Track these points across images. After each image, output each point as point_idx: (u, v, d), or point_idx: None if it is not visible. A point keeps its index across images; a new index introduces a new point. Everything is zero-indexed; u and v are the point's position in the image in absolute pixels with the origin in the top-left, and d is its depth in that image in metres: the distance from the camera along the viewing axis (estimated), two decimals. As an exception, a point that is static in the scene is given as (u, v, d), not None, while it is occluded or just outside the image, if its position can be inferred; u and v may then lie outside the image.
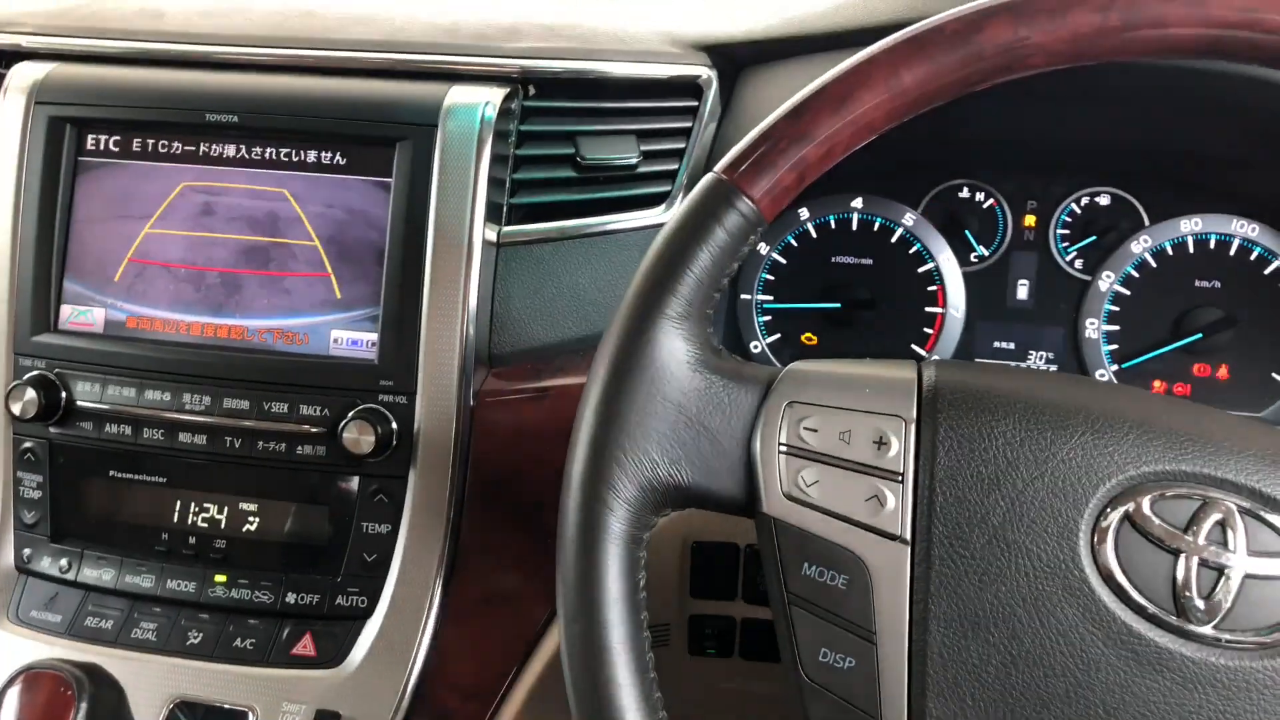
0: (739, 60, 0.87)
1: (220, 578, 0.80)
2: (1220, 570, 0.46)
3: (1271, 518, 0.46)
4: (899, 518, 0.49)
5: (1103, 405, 0.49)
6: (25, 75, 0.83)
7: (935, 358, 0.90)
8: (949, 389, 0.50)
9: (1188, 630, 0.46)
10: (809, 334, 0.93)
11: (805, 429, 0.51)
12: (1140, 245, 0.89)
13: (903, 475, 0.49)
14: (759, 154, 0.51)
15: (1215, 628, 0.46)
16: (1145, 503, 0.47)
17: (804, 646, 0.50)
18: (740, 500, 0.52)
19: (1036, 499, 0.48)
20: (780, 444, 0.51)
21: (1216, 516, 0.46)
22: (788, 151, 0.51)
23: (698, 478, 0.51)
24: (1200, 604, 0.46)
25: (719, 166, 0.52)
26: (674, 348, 0.51)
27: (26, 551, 0.83)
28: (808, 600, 0.50)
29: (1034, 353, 0.91)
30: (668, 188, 0.84)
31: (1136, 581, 0.46)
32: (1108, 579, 0.47)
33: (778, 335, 0.93)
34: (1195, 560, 0.46)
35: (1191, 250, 0.88)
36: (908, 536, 0.49)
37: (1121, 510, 0.47)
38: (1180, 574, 0.46)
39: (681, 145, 0.84)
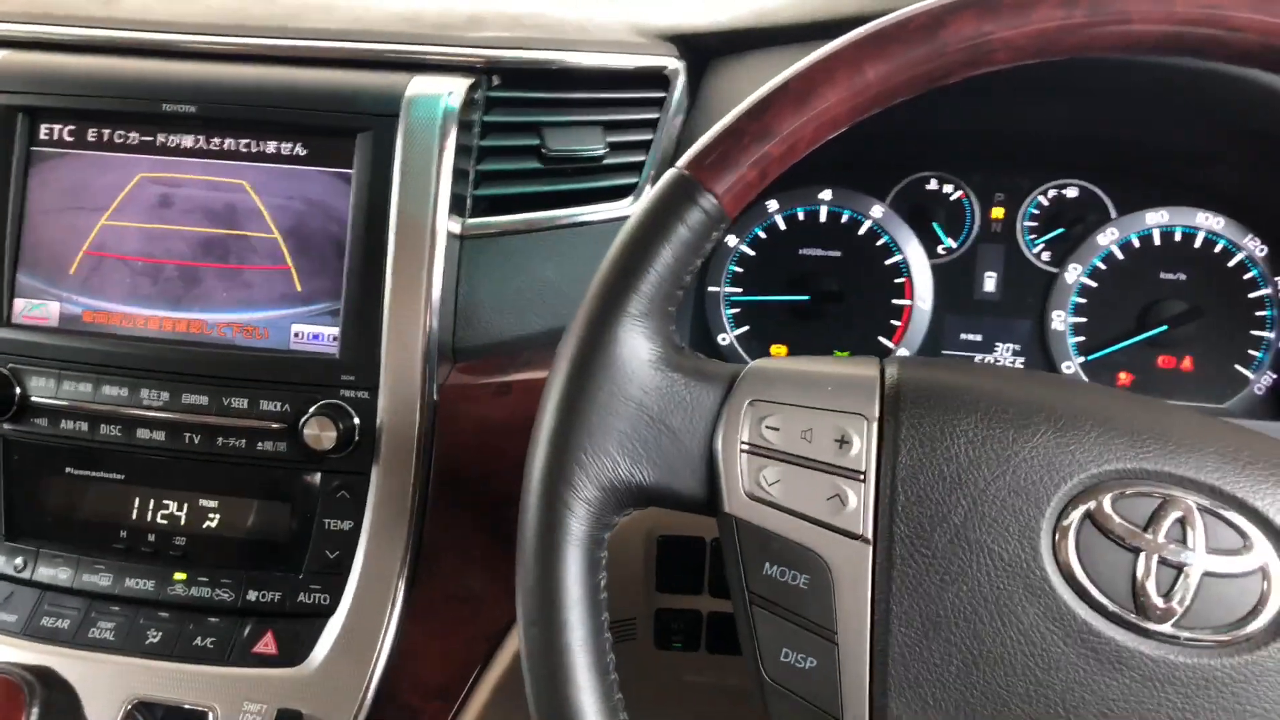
0: (707, 51, 0.87)
1: (180, 576, 0.79)
2: (1179, 568, 0.46)
3: (1230, 515, 0.46)
4: (860, 517, 0.48)
5: (1065, 403, 0.49)
6: (-25, 63, 0.81)
7: (902, 351, 0.90)
8: (911, 387, 0.50)
9: (1147, 628, 0.46)
10: (777, 327, 0.93)
11: (767, 427, 0.50)
12: (1107, 238, 0.89)
13: (864, 474, 0.49)
14: (721, 150, 0.51)
15: (1174, 625, 0.46)
16: (1106, 501, 0.47)
17: (765, 646, 0.50)
18: (702, 499, 0.52)
19: (998, 498, 0.47)
20: (742, 442, 0.50)
21: (1176, 514, 0.46)
22: (750, 148, 0.50)
23: (659, 477, 0.51)
24: (1159, 602, 0.46)
25: (681, 162, 0.52)
26: (635, 346, 0.51)
27: (-20, 551, 0.81)
28: (769, 600, 0.50)
29: (1001, 345, 0.91)
30: (634, 180, 0.83)
31: (1097, 580, 0.46)
32: (1068, 578, 0.47)
33: (746, 328, 0.93)
34: (1155, 558, 0.46)
35: (1158, 243, 0.88)
36: (869, 536, 0.48)
37: (1083, 509, 0.47)
38: (1140, 572, 0.46)
39: (648, 137, 0.83)
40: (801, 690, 0.49)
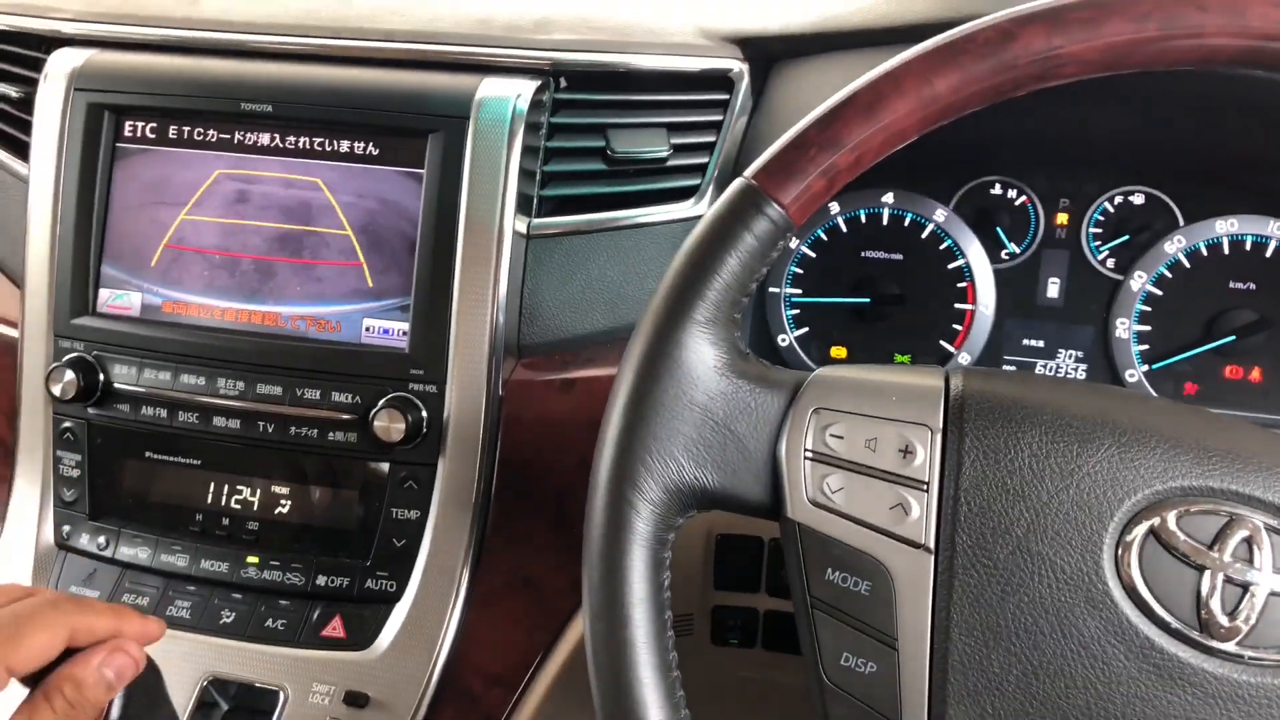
0: (771, 54, 0.87)
1: (252, 559, 0.82)
2: (1245, 587, 0.46)
3: (1298, 536, 0.46)
4: (923, 526, 0.49)
5: (1130, 418, 0.49)
6: (64, 62, 0.84)
7: (963, 356, 0.90)
8: (976, 398, 0.50)
9: (1211, 646, 0.46)
10: (837, 329, 0.93)
11: (831, 435, 0.51)
12: (1174, 245, 0.88)
13: (928, 484, 0.49)
14: (789, 160, 0.51)
15: (1239, 644, 0.46)
16: (1171, 518, 0.47)
17: (826, 650, 0.51)
18: (765, 504, 0.53)
19: (1061, 511, 0.48)
20: (806, 450, 0.51)
21: (1243, 533, 0.46)
22: (818, 158, 0.51)
23: (723, 481, 0.52)
24: (1224, 620, 0.46)
25: (749, 171, 0.52)
26: (701, 352, 0.52)
27: (66, 529, 0.85)
28: (830, 605, 0.50)
29: (1063, 351, 0.90)
30: (697, 181, 0.84)
31: (1160, 596, 0.47)
32: (1131, 593, 0.47)
33: (806, 329, 0.93)
34: (1220, 577, 0.46)
35: (1226, 251, 0.87)
36: (931, 545, 0.49)
37: (1146, 525, 0.47)
38: (1204, 590, 0.46)
39: (712, 139, 0.84)
40: (861, 694, 0.50)
